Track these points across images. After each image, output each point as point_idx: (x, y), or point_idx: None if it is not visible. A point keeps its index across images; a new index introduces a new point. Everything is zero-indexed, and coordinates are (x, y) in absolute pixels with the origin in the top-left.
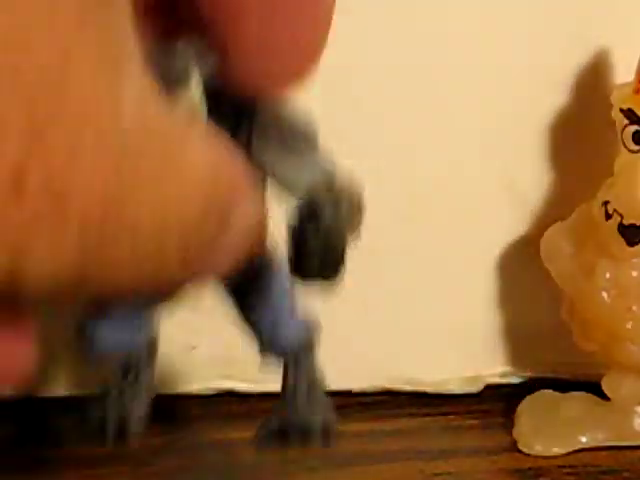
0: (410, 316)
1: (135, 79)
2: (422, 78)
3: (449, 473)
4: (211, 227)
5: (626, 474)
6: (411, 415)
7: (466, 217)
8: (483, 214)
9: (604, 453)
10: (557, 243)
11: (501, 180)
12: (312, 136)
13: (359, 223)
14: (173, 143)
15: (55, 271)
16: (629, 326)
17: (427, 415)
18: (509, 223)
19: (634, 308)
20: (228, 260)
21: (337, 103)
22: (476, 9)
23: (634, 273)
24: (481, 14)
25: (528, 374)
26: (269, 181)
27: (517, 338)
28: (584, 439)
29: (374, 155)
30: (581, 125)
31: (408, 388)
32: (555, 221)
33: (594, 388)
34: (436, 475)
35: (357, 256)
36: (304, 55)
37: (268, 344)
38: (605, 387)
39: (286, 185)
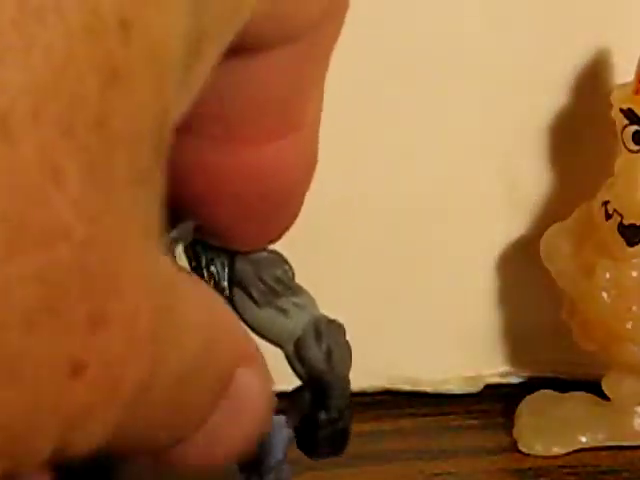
0: (410, 316)
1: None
2: (422, 78)
3: (449, 473)
4: (208, 388)
5: (626, 474)
6: (411, 415)
7: (466, 217)
8: (483, 214)
9: (604, 453)
10: (557, 243)
11: (501, 180)
12: (289, 281)
13: (350, 366)
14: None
15: (103, 437)
16: (629, 326)
17: (427, 415)
18: (509, 223)
19: (634, 308)
20: (233, 439)
21: (337, 102)
22: (476, 9)
23: (634, 273)
24: (481, 14)
25: (528, 374)
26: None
27: (517, 338)
28: (584, 439)
29: (374, 155)
30: (581, 125)
31: (408, 388)
32: (555, 221)
33: (594, 388)
34: (436, 475)
35: (356, 256)
36: (280, 228)
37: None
38: (605, 387)
39: (272, 338)
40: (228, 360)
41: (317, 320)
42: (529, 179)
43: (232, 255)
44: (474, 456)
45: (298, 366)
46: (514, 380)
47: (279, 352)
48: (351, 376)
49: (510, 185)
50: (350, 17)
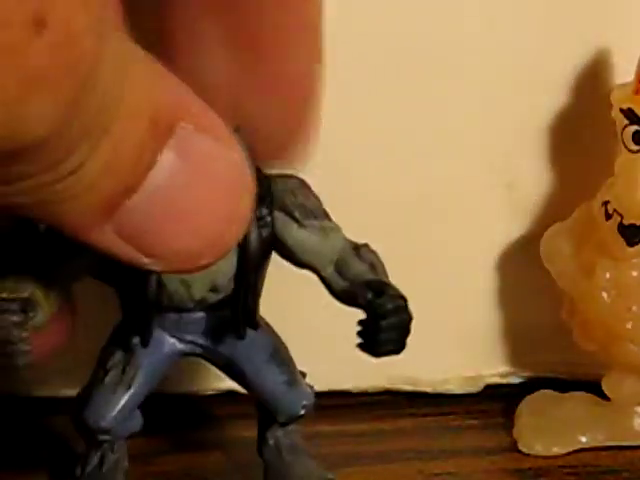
0: None
1: None
2: (422, 78)
3: (449, 473)
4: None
5: (626, 474)
6: (411, 415)
7: (466, 217)
8: (483, 214)
9: (604, 453)
10: (557, 243)
11: (501, 180)
12: (322, 206)
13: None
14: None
15: (50, 123)
16: (629, 326)
17: (427, 415)
18: (509, 223)
19: (634, 308)
20: (200, 208)
21: (337, 102)
22: (476, 9)
23: (634, 273)
24: (481, 14)
25: (528, 374)
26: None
27: (517, 338)
28: (584, 439)
29: (373, 155)
30: (581, 125)
31: (408, 388)
32: (555, 221)
33: (594, 388)
34: (436, 475)
35: None
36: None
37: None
38: (605, 387)
39: (310, 259)
40: (162, 104)
41: (352, 242)
42: (529, 179)
43: (269, 180)
44: (474, 456)
45: (341, 283)
46: (514, 380)
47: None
48: (351, 376)
49: (510, 185)
50: (351, 17)
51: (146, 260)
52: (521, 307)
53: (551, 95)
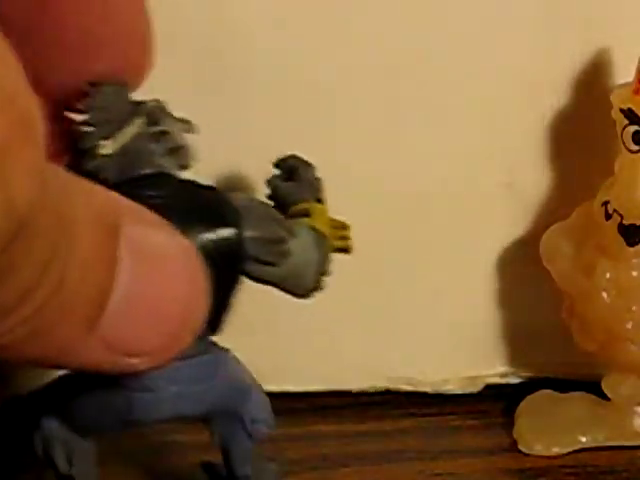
0: (410, 316)
1: None
2: (422, 78)
3: (449, 473)
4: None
5: (626, 474)
6: (411, 415)
7: (466, 217)
8: (483, 214)
9: (604, 453)
10: (557, 243)
11: (501, 180)
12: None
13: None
14: None
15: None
16: (629, 326)
17: (427, 415)
18: (509, 223)
19: (634, 308)
20: (158, 300)
21: (337, 102)
22: (476, 9)
23: (634, 273)
24: (481, 14)
25: (528, 374)
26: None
27: (517, 338)
28: (584, 439)
29: (373, 155)
30: (581, 125)
31: (408, 388)
32: (555, 221)
33: (594, 388)
34: (436, 475)
35: (356, 256)
36: None
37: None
38: (605, 387)
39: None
40: (105, 210)
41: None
42: (529, 179)
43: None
44: (474, 456)
45: None
46: (514, 380)
47: (279, 351)
48: (351, 376)
49: (510, 185)
50: (351, 17)
51: (133, 361)
52: (521, 307)
53: (551, 95)
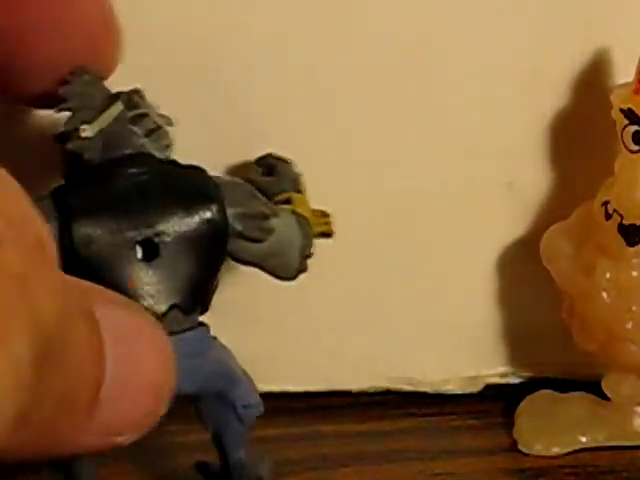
0: (410, 316)
1: None
2: (422, 78)
3: (449, 473)
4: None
5: (626, 474)
6: (411, 415)
7: (466, 217)
8: (483, 214)
9: (604, 453)
10: (557, 243)
11: (501, 180)
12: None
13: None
14: None
15: None
16: (629, 326)
17: (427, 415)
18: (509, 223)
19: (634, 308)
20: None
21: (337, 102)
22: (476, 9)
23: (634, 273)
24: (481, 14)
25: (528, 374)
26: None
27: (517, 338)
28: (584, 439)
29: (373, 155)
30: (581, 125)
31: (408, 388)
32: (555, 221)
33: (594, 388)
34: (436, 475)
35: (356, 256)
36: None
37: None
38: (605, 387)
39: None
40: (80, 295)
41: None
42: (529, 179)
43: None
44: (474, 456)
45: None
46: (514, 380)
47: (279, 352)
48: (351, 376)
49: (510, 185)
50: (352, 17)
51: (121, 439)
52: (521, 307)
53: (551, 95)
